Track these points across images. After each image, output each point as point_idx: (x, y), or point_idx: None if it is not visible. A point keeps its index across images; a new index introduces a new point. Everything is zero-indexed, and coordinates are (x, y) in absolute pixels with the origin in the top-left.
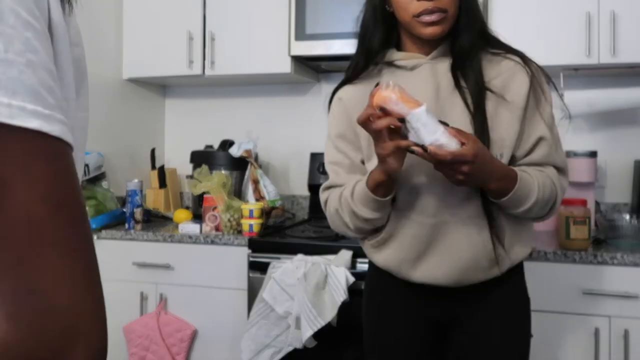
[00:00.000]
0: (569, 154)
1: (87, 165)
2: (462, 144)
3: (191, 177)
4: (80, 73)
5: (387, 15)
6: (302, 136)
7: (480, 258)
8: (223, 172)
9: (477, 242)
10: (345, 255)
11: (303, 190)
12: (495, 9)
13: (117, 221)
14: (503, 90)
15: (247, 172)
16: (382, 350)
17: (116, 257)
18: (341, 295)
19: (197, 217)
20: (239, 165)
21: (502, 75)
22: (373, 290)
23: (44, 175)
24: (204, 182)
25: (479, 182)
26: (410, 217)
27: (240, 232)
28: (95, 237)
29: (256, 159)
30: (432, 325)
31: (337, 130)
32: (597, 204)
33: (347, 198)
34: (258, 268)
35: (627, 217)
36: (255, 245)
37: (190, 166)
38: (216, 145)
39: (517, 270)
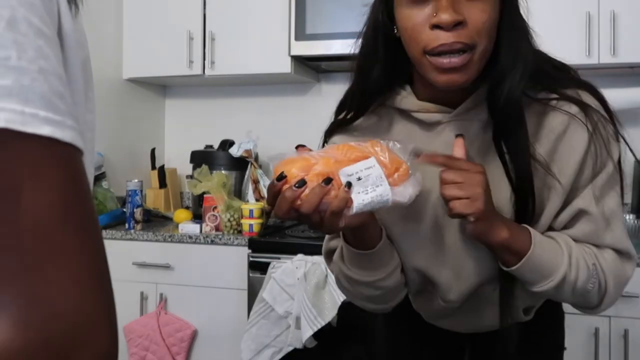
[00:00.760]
0: None
1: None
2: None
3: (191, 177)
4: (87, 75)
5: (393, 41)
6: (302, 136)
7: (484, 321)
8: (223, 172)
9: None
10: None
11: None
12: None
13: (117, 221)
14: (550, 158)
15: (247, 172)
16: None
17: (116, 257)
18: (341, 295)
19: (197, 217)
20: (239, 165)
21: (550, 136)
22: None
23: (55, 182)
24: (204, 182)
25: (485, 225)
26: (431, 300)
27: (240, 232)
28: None
29: (256, 159)
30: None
31: None
32: None
33: (337, 261)
34: (258, 268)
35: (627, 217)
36: (255, 245)
37: (190, 166)
38: (216, 145)
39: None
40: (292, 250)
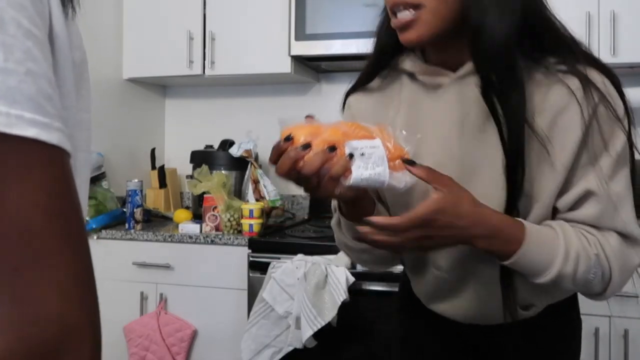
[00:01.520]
0: None
1: None
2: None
3: (191, 177)
4: (80, 76)
5: None
6: None
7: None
8: (223, 172)
9: (490, 299)
10: (346, 255)
11: (303, 190)
12: None
13: (117, 221)
14: (550, 132)
15: (247, 172)
16: None
17: (116, 257)
18: (341, 295)
19: (197, 217)
20: (239, 165)
21: (552, 108)
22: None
23: (41, 184)
24: (204, 182)
25: (451, 238)
26: (424, 270)
27: (240, 232)
28: (95, 237)
29: (256, 159)
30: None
31: None
32: None
33: (334, 226)
34: (258, 268)
35: None
36: (255, 245)
37: (190, 166)
38: (216, 145)
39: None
40: (292, 250)
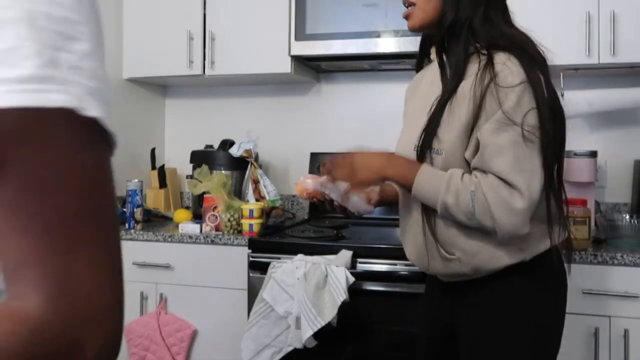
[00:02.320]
0: (569, 154)
1: None
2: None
3: (191, 177)
4: None
5: None
6: (302, 136)
7: (422, 253)
8: (223, 172)
9: (419, 240)
10: (346, 255)
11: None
12: None
13: None
14: (461, 94)
15: (247, 172)
16: None
17: None
18: (341, 295)
19: (197, 217)
20: (239, 165)
21: (470, 78)
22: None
23: (96, 181)
24: (204, 182)
25: (370, 173)
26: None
27: (240, 232)
28: None
29: (256, 159)
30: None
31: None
32: (597, 203)
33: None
34: (258, 268)
35: (627, 217)
36: (255, 245)
37: (190, 166)
38: (216, 145)
39: (502, 275)
40: (292, 250)
